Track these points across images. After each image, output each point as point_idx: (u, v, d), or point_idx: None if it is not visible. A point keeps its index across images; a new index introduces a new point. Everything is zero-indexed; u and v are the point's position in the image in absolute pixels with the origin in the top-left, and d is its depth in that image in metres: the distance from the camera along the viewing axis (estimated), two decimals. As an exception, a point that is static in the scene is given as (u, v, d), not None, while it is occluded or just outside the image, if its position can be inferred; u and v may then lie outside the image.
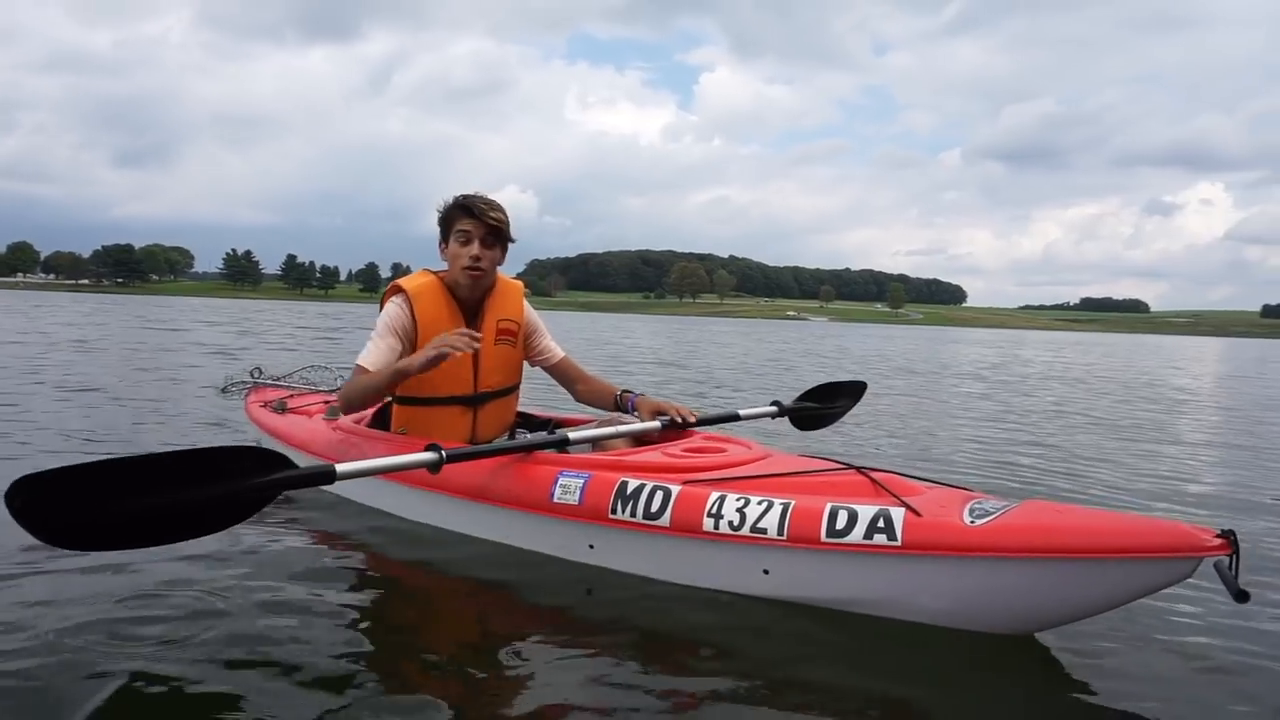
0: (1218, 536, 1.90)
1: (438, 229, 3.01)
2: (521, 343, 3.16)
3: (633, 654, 2.12)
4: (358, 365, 2.92)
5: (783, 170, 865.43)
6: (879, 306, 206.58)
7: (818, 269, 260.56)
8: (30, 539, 1.84)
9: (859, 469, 2.51)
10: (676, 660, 2.12)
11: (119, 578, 2.45)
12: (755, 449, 2.84)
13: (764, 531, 2.31)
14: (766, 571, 2.37)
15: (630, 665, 2.07)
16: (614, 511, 2.50)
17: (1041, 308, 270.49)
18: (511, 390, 3.18)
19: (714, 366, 14.50)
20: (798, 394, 3.74)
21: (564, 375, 3.29)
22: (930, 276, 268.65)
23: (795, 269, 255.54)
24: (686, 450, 2.77)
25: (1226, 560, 1.88)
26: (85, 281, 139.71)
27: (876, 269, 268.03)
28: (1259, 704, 2.00)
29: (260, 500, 2.13)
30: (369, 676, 1.97)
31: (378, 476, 3.04)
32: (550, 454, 2.76)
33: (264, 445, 2.93)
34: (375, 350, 2.92)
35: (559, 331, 3.54)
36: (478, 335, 2.67)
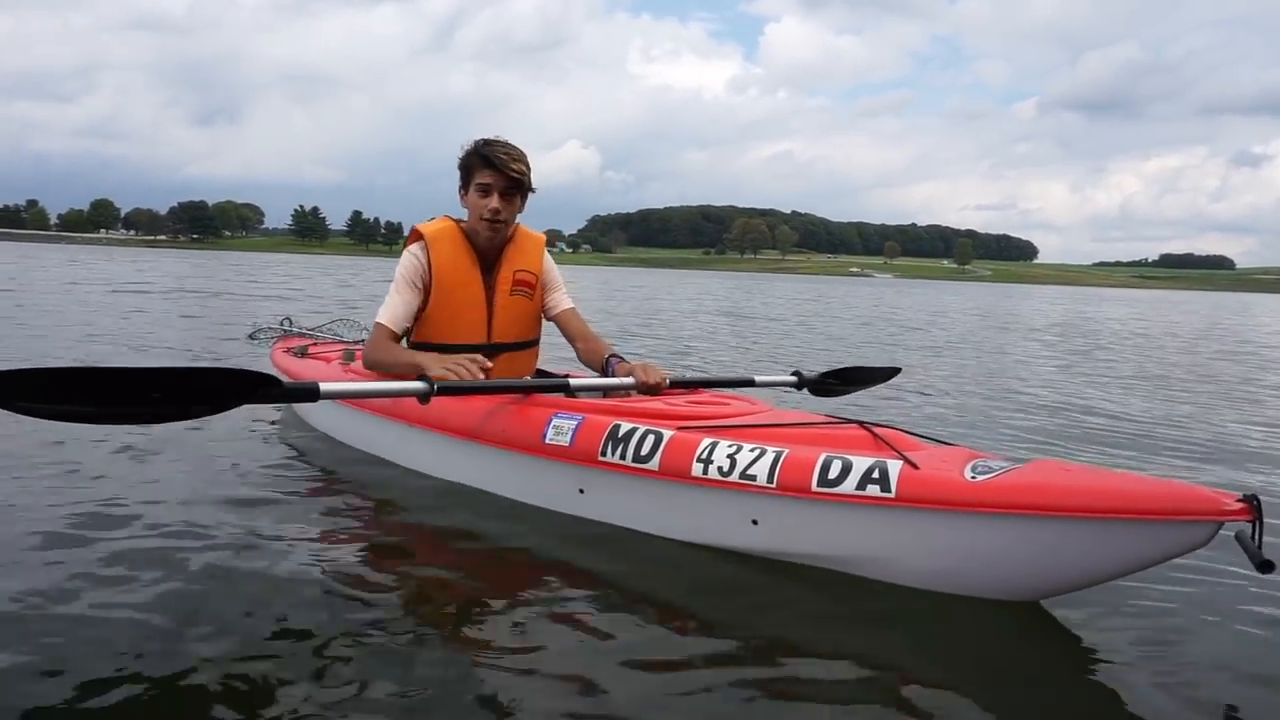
0: (1239, 501, 1.75)
1: (459, 173, 2.95)
2: (539, 295, 3.09)
3: (618, 612, 2.06)
4: (377, 322, 2.93)
5: (849, 123, 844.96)
6: (945, 263, 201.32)
7: (883, 224, 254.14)
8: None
9: (861, 423, 2.40)
10: (661, 621, 2.02)
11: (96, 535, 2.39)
12: (759, 405, 2.74)
13: (753, 479, 2.22)
14: (755, 522, 2.29)
15: (614, 623, 1.99)
16: (604, 454, 2.44)
17: (1118, 265, 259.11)
18: (529, 345, 3.12)
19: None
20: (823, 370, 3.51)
21: (566, 328, 3.14)
22: (1000, 232, 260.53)
23: (859, 225, 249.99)
24: (691, 402, 2.69)
25: (1249, 527, 1.72)
26: (163, 237, 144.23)
27: (944, 224, 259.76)
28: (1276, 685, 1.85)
29: (238, 405, 2.24)
30: (343, 627, 1.92)
31: (374, 414, 3.06)
32: (548, 397, 2.71)
33: None
34: (392, 305, 2.91)
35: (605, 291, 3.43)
36: (488, 365, 2.62)
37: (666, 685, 1.74)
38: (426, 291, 2.92)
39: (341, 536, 2.55)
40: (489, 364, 2.63)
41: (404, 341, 3.01)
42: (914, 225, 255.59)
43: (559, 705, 1.64)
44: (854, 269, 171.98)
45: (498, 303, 2.97)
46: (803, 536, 2.24)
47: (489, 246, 2.96)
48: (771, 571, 2.28)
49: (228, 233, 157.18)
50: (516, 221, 3.02)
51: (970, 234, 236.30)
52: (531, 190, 2.95)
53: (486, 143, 2.86)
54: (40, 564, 2.16)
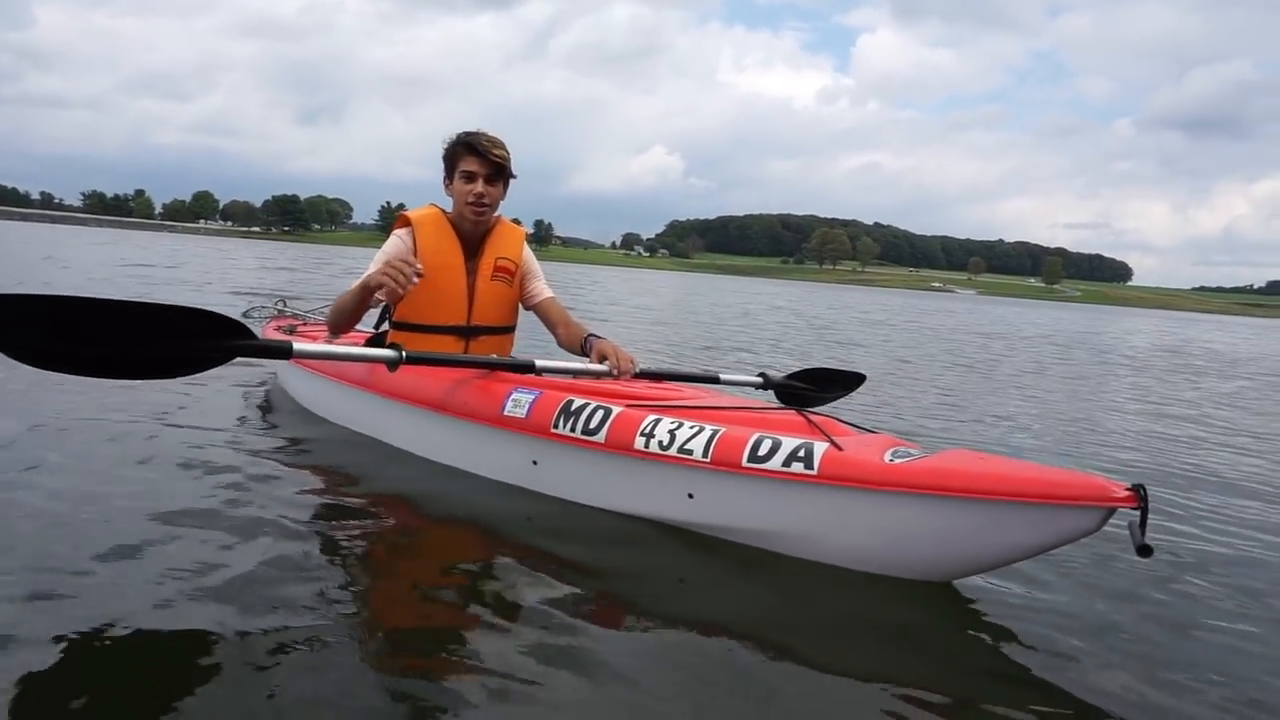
0: (1126, 490, 1.85)
1: (443, 164, 3.05)
2: (518, 284, 3.20)
3: (554, 587, 2.11)
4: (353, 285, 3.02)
5: (939, 136, 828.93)
6: (1032, 281, 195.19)
7: (968, 239, 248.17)
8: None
9: (800, 410, 2.49)
10: (603, 596, 2.09)
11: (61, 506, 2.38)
12: (711, 391, 2.82)
13: (690, 453, 2.32)
14: (691, 496, 2.38)
15: (557, 598, 2.04)
16: (556, 426, 2.56)
17: (1220, 290, 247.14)
18: (506, 330, 3.23)
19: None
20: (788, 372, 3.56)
21: (547, 316, 3.24)
22: (1093, 252, 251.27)
23: (944, 239, 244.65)
24: (647, 386, 2.80)
25: (1137, 515, 1.82)
26: (256, 229, 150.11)
27: (1032, 242, 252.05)
28: (1157, 661, 1.94)
29: (213, 360, 2.23)
30: (297, 595, 1.93)
31: (343, 383, 3.24)
32: (511, 375, 2.82)
33: None
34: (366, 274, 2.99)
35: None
36: (417, 267, 2.68)
37: (592, 659, 1.75)
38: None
39: (300, 509, 2.53)
40: (420, 268, 2.69)
41: (387, 322, 3.14)
42: (1001, 241, 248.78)
43: (486, 679, 1.65)
44: (935, 283, 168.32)
45: (479, 288, 3.08)
46: (734, 511, 2.33)
47: (473, 233, 3.07)
48: (704, 550, 2.36)
49: (317, 226, 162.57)
50: (499, 213, 3.12)
51: (1061, 252, 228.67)
52: (513, 176, 3.06)
53: (468, 133, 2.97)
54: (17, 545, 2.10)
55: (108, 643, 1.69)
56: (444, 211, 3.12)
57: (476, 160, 2.95)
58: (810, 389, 3.51)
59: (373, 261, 3.01)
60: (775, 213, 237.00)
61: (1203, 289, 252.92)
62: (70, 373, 2.07)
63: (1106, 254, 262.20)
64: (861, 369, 4.00)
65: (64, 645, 1.65)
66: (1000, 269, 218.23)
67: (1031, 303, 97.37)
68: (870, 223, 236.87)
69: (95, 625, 1.74)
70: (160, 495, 2.53)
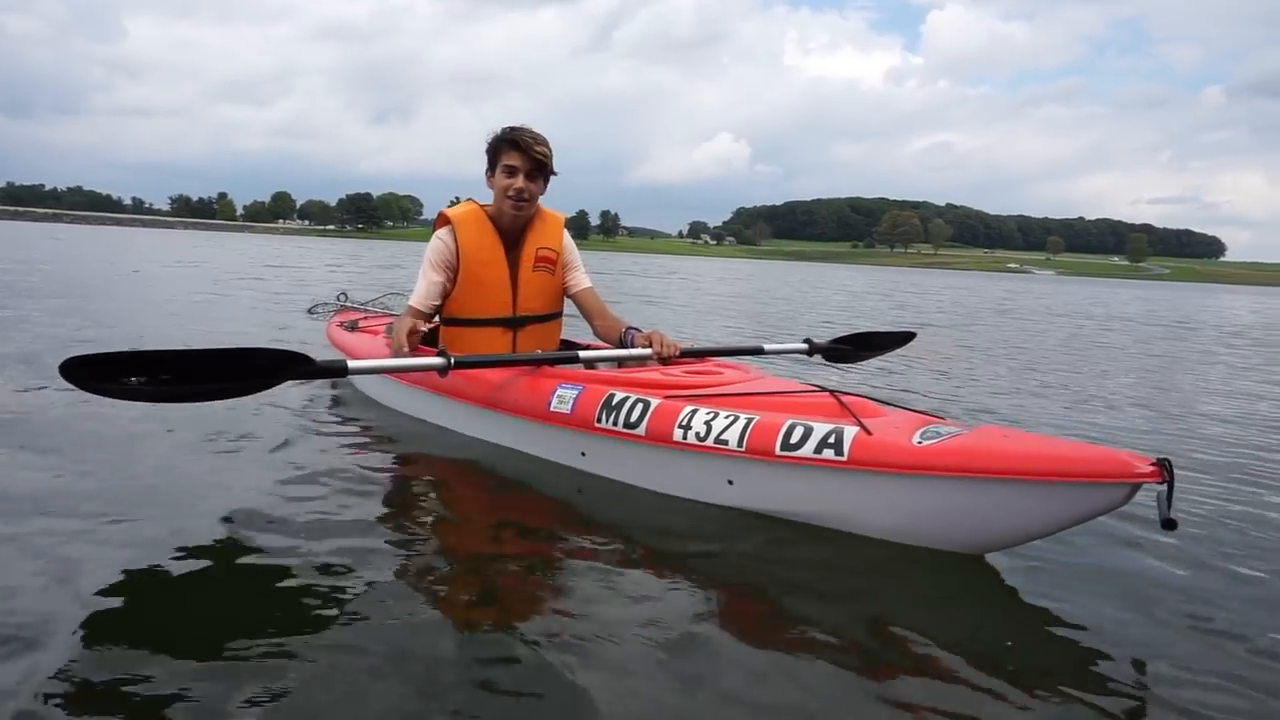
0: (1151, 465, 1.87)
1: (486, 157, 3.14)
2: (560, 271, 3.28)
3: (613, 556, 2.24)
4: (409, 305, 3.18)
5: (1013, 112, 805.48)
6: (1116, 260, 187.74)
7: (1045, 218, 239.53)
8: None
9: (832, 392, 2.53)
10: (650, 564, 2.20)
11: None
12: (751, 373, 2.90)
13: (725, 443, 2.41)
14: (731, 482, 2.48)
15: (608, 566, 2.17)
16: (599, 421, 2.68)
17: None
18: (552, 317, 3.32)
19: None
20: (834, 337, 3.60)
21: (585, 306, 3.33)
22: (1181, 227, 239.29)
23: (1020, 218, 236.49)
24: (687, 371, 2.88)
25: (1163, 489, 1.84)
26: (332, 227, 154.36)
27: (1115, 218, 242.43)
28: (1180, 631, 1.96)
29: (278, 382, 2.49)
30: (366, 562, 2.12)
31: (400, 381, 3.41)
32: (557, 369, 2.93)
33: (333, 355, 3.31)
34: (420, 289, 3.15)
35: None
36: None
37: (640, 623, 1.86)
38: (454, 272, 3.14)
39: (373, 487, 2.76)
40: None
41: (437, 319, 3.26)
42: (1081, 219, 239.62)
43: (546, 636, 1.78)
44: (1012, 264, 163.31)
45: (521, 278, 3.17)
46: (771, 495, 2.42)
47: (512, 226, 3.16)
48: (747, 520, 2.46)
49: (389, 223, 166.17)
50: (538, 203, 3.21)
51: (1146, 229, 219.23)
52: (553, 173, 3.12)
53: (512, 129, 3.05)
54: (108, 521, 2.32)
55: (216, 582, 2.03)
56: (483, 207, 3.21)
57: (518, 155, 3.02)
58: (856, 350, 3.55)
59: (422, 269, 3.15)
60: (844, 197, 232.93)
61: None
62: (167, 402, 2.49)
63: (1196, 229, 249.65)
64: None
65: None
66: (1081, 248, 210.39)
67: (1113, 282, 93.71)
68: (943, 204, 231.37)
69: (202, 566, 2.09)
70: (243, 476, 2.78)
